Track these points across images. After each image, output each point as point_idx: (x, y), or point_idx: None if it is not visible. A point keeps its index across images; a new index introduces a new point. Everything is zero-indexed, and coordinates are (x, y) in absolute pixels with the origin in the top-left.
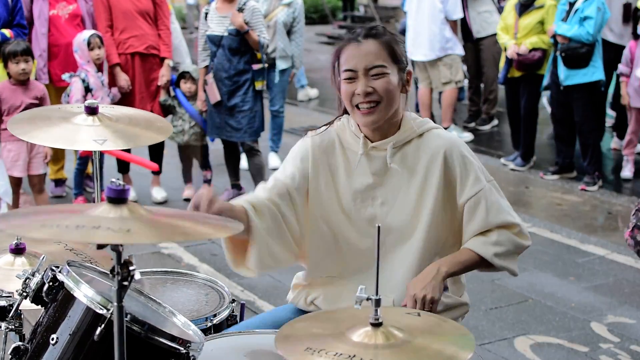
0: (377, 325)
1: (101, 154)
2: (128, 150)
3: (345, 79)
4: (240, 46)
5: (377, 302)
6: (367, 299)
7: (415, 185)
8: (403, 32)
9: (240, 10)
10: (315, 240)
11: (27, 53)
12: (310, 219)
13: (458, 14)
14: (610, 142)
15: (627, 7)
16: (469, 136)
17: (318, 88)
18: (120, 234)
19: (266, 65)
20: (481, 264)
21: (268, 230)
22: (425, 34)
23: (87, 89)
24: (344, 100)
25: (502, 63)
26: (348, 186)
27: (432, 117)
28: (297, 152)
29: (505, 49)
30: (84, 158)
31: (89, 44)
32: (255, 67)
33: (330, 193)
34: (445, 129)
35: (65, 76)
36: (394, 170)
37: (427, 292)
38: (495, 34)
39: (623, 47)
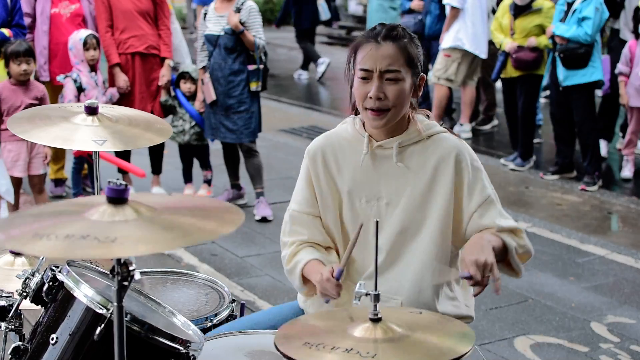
0: (376, 320)
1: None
2: (128, 151)
3: (360, 78)
4: (236, 46)
5: (376, 297)
6: (366, 295)
7: (421, 185)
8: None
9: (238, 10)
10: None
11: (29, 54)
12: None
13: None
14: (617, 141)
15: None
16: (468, 132)
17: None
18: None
19: (261, 66)
20: (498, 253)
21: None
22: (485, 32)
23: (80, 89)
24: (356, 99)
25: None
26: (352, 186)
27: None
28: (303, 176)
29: (501, 47)
30: (79, 157)
31: (85, 43)
32: (250, 67)
33: (334, 195)
34: (461, 125)
35: (59, 77)
36: (400, 169)
37: (486, 257)
38: None
39: None
